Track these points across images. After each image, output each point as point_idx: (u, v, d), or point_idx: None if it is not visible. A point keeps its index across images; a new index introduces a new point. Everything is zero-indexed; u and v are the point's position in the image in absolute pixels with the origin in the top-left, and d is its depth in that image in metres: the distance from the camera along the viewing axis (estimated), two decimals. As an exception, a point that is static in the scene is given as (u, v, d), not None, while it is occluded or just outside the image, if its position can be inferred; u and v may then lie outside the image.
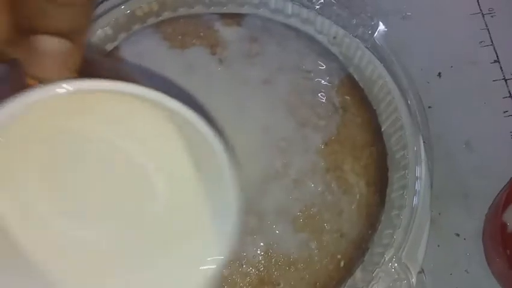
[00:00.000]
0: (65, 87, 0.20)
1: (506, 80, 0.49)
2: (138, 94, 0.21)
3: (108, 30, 0.45)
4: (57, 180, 0.24)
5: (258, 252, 0.36)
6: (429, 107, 0.47)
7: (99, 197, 0.24)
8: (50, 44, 0.20)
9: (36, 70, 0.21)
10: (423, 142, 0.41)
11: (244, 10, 0.46)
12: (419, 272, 0.37)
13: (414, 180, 0.39)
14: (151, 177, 0.25)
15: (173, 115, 0.22)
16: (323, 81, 0.41)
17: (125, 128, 0.24)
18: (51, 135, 0.23)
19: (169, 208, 0.25)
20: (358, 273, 0.39)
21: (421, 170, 0.39)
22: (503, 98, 0.48)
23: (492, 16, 0.52)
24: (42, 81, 0.20)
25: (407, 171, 0.39)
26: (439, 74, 0.49)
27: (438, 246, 0.43)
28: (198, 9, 0.46)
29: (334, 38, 0.44)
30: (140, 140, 0.24)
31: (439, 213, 0.44)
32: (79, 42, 0.21)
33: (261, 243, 0.36)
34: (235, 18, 0.44)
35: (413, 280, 0.36)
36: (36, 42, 0.20)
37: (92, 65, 0.23)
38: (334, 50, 0.45)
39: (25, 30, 0.20)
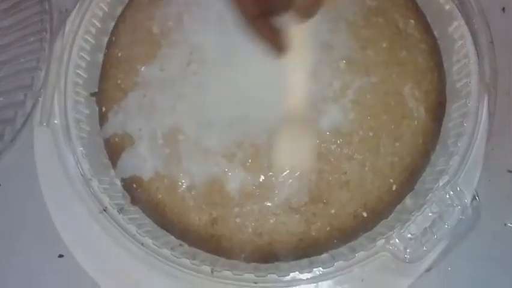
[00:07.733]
0: None
1: None
2: None
3: None
4: None
5: (312, 170, 0.36)
6: (490, 42, 0.45)
7: None
8: None
9: None
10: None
11: None
12: (474, 199, 0.36)
13: (476, 109, 0.38)
14: None
15: None
16: (387, 2, 0.39)
17: None
18: None
19: None
20: (407, 200, 0.39)
21: (484, 99, 0.38)
22: None
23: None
24: None
25: (468, 99, 0.38)
26: (503, 9, 0.47)
27: (489, 180, 0.42)
28: None
29: (400, -40, 0.42)
30: None
31: (492, 149, 0.42)
32: None
33: (315, 162, 0.36)
34: None
35: (469, 206, 0.36)
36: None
37: None
38: (399, -28, 0.43)
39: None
